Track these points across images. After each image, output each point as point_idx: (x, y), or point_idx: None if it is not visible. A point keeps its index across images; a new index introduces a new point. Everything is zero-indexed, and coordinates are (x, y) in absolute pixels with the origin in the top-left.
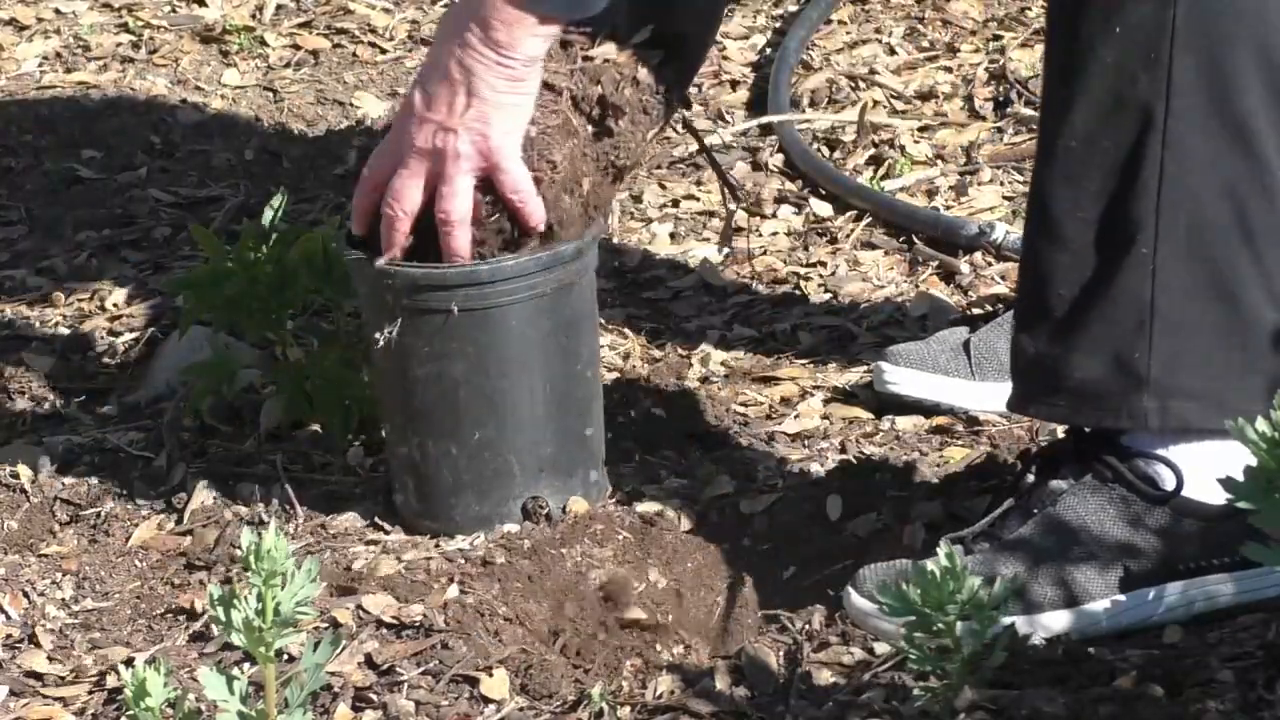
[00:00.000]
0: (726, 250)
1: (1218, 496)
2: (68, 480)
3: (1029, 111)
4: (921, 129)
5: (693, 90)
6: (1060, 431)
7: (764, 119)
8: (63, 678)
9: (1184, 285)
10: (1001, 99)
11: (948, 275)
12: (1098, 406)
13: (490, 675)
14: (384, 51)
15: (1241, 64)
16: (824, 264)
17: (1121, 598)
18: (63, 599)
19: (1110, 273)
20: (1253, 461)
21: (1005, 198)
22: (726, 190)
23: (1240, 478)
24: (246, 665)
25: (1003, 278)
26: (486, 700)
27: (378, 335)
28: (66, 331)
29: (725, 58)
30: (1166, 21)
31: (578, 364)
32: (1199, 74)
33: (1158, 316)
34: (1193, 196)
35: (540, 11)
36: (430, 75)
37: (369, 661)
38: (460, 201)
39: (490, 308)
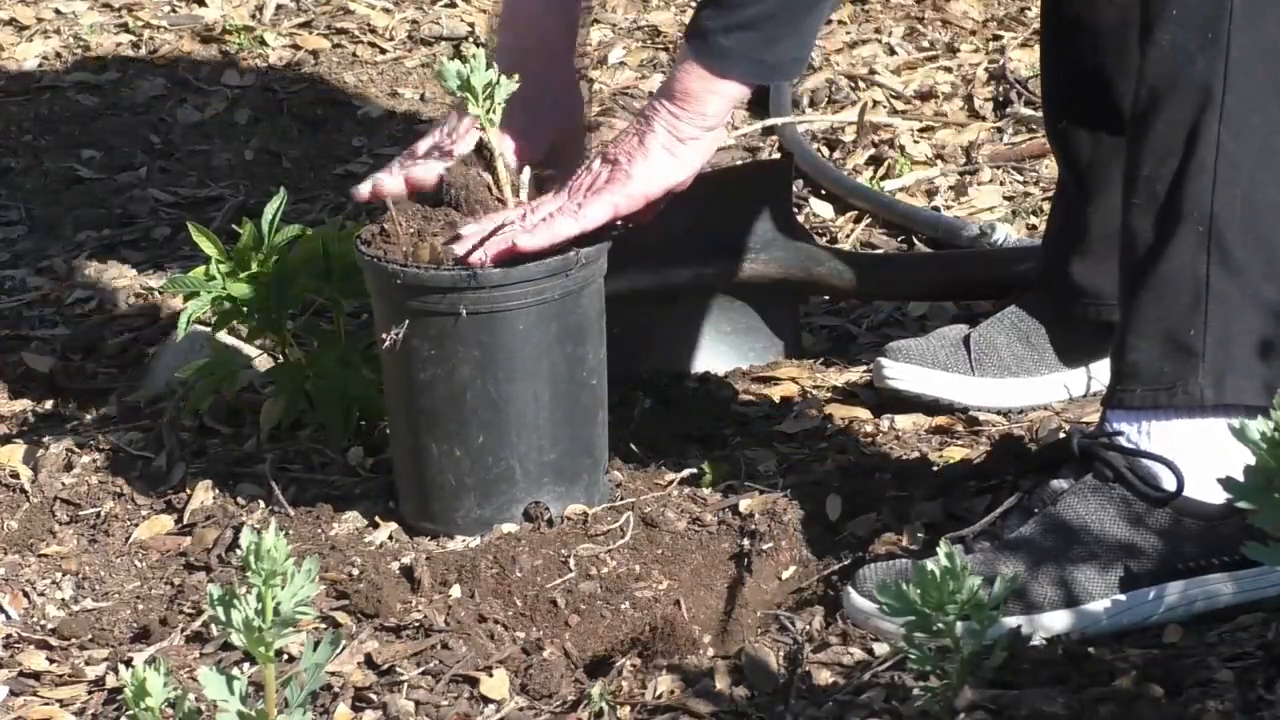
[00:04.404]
0: None
1: (1218, 496)
2: (68, 480)
3: (1029, 111)
4: (921, 129)
5: None
6: (1061, 431)
7: (766, 122)
8: (62, 678)
9: (1238, 263)
10: (1001, 99)
11: None
12: (1153, 385)
13: (490, 675)
14: (384, 51)
15: None
16: None
17: (1121, 597)
18: (63, 599)
19: (1164, 252)
20: (1252, 461)
21: (1005, 198)
22: None
23: (1240, 477)
24: (246, 665)
25: None
26: (486, 700)
27: (385, 336)
28: (67, 331)
29: None
30: (1225, 1)
31: (583, 371)
32: (1258, 53)
33: (1212, 294)
34: (1249, 174)
35: (724, 73)
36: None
37: (369, 661)
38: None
39: (498, 311)
